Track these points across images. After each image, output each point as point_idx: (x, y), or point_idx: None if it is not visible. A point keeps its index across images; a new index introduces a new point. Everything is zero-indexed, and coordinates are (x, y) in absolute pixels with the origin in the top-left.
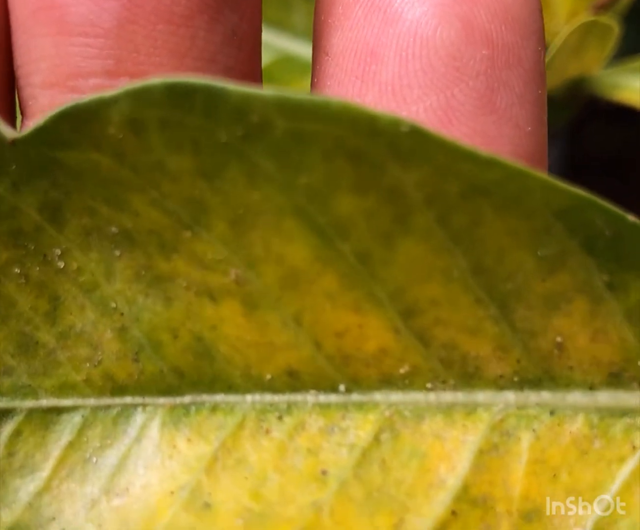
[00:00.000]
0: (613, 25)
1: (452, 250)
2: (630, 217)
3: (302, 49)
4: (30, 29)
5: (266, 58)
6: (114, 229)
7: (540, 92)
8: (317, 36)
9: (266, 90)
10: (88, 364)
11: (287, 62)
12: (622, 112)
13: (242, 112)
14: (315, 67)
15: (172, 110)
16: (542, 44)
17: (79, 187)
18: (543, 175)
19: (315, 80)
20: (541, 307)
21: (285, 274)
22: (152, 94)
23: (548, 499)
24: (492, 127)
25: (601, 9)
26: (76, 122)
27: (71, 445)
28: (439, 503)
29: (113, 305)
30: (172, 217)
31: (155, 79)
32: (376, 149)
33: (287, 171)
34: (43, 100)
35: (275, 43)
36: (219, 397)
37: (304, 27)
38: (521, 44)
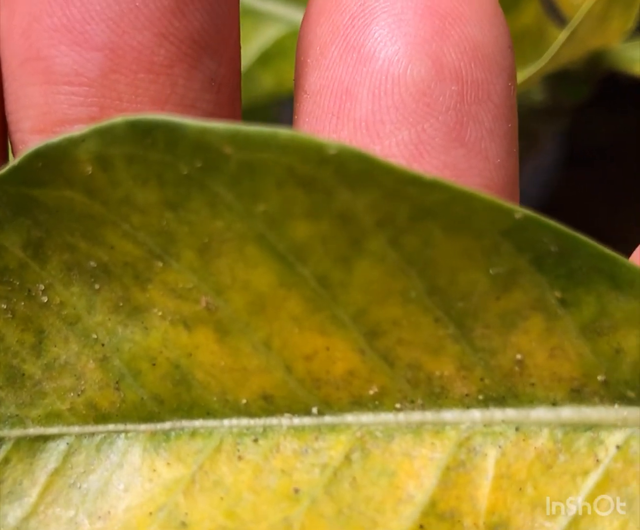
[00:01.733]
0: None
1: (407, 272)
2: (575, 233)
3: (258, 3)
4: (19, 78)
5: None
6: (92, 264)
7: (510, 125)
8: (297, 76)
9: (220, 124)
10: (72, 394)
11: (247, 14)
12: (631, 109)
13: (200, 145)
14: (295, 105)
15: (135, 146)
16: (513, 80)
17: (58, 224)
18: (487, 195)
19: (296, 117)
20: (498, 326)
21: (252, 299)
22: (117, 131)
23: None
24: (462, 160)
25: None
26: (48, 160)
27: (57, 472)
28: (407, 518)
29: (94, 336)
30: (143, 249)
31: (119, 118)
32: (324, 175)
33: (245, 200)
34: (32, 146)
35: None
36: (198, 423)
37: None
38: (491, 80)
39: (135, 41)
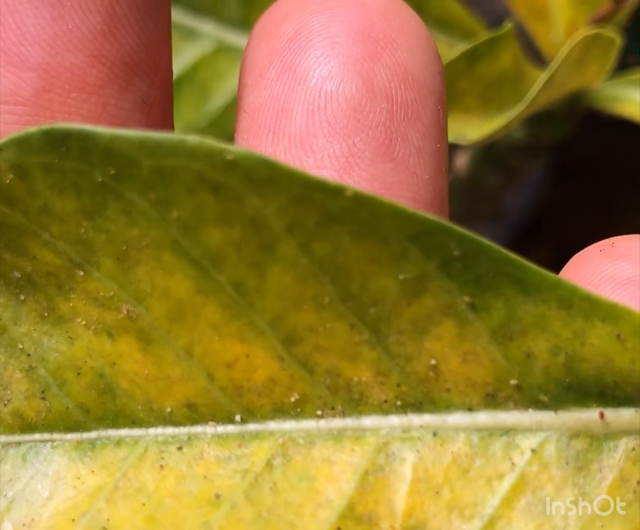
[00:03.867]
0: (615, 37)
1: (320, 278)
2: (479, 238)
3: (238, 40)
4: None
5: (206, 47)
6: (17, 274)
7: (439, 145)
8: (238, 98)
9: (130, 131)
10: None
11: (225, 51)
12: (614, 122)
13: (111, 152)
14: (236, 125)
15: (51, 155)
16: (443, 103)
17: None
18: (391, 201)
19: (236, 135)
20: (411, 331)
21: (171, 307)
22: (33, 140)
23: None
24: (391, 174)
25: (601, 20)
26: None
27: None
28: (324, 521)
29: (20, 346)
30: (64, 258)
31: (35, 127)
32: (233, 181)
33: (159, 207)
34: None
35: (212, 33)
36: (124, 432)
37: (239, 17)
38: (420, 102)
39: (68, 62)
